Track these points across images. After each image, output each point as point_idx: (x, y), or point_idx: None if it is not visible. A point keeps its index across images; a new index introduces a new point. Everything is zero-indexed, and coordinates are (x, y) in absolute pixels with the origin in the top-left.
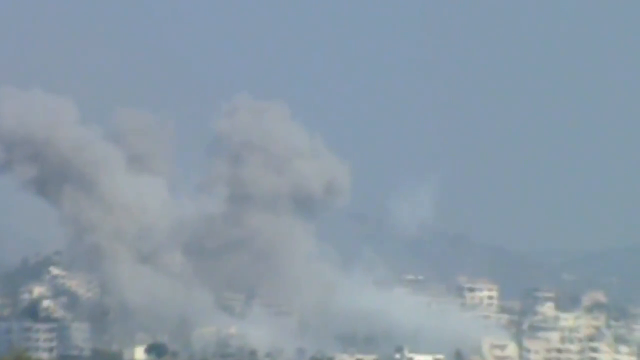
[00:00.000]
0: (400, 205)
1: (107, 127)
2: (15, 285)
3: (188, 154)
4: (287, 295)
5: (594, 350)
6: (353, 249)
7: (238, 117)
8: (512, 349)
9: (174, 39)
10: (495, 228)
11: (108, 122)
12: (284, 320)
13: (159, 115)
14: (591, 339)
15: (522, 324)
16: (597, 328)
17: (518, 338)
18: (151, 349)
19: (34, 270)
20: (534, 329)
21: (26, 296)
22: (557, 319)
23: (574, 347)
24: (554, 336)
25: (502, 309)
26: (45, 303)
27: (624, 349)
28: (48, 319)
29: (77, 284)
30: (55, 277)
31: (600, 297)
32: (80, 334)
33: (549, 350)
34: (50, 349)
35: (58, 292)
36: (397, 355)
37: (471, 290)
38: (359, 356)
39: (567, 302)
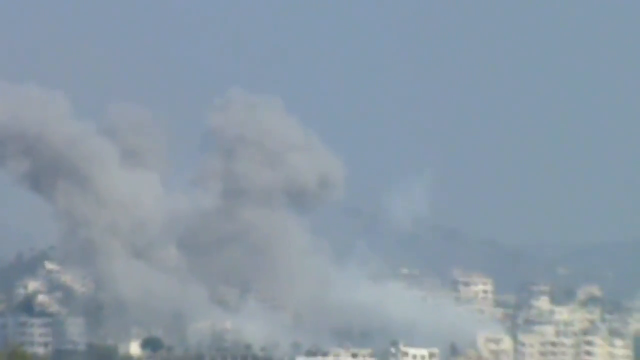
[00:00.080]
0: (394, 199)
1: (101, 122)
2: (10, 280)
3: (181, 149)
4: (282, 290)
5: (589, 344)
6: (348, 243)
7: (231, 112)
8: (507, 343)
9: (167, 33)
10: (490, 222)
11: (101, 117)
12: (278, 315)
13: (152, 110)
14: (586, 332)
15: (516, 317)
16: (592, 322)
17: (513, 332)
18: (146, 344)
19: (29, 265)
20: (529, 322)
21: (21, 291)
22: (552, 312)
23: (568, 341)
24: (549, 330)
25: (497, 303)
26: (40, 298)
27: (618, 342)
28: (43, 313)
29: (71, 278)
30: (50, 272)
31: (595, 290)
32: (76, 329)
33: (543, 344)
34: (46, 344)
35: (53, 287)
36: (392, 350)
37: (466, 284)
38: (354, 350)
39: (562, 296)
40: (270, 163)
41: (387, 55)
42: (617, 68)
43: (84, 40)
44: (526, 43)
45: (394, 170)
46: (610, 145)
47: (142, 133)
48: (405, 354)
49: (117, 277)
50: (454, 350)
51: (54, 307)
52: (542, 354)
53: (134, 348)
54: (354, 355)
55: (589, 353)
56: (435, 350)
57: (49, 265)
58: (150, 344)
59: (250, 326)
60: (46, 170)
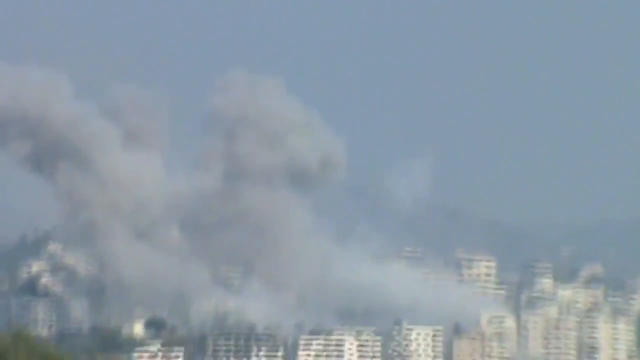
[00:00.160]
0: (397, 180)
1: (103, 104)
2: (13, 262)
3: (184, 131)
4: (285, 270)
5: (592, 322)
6: (350, 223)
7: (233, 93)
8: (510, 322)
9: (169, 13)
10: (493, 202)
11: (103, 99)
12: (281, 295)
13: (154, 92)
14: (589, 311)
15: (520, 297)
16: (595, 300)
17: (516, 311)
18: (150, 324)
19: (33, 247)
20: (532, 302)
21: (25, 272)
22: (555, 292)
23: (572, 319)
24: (552, 309)
25: (500, 282)
26: (44, 279)
27: (621, 321)
28: (47, 294)
29: (75, 259)
30: (53, 253)
31: (598, 269)
32: (79, 310)
33: (547, 323)
34: (50, 325)
35: (57, 268)
36: (396, 328)
37: (469, 263)
38: (358, 329)
39: (565, 275)
40: (272, 144)
41: (389, 35)
42: (616, 45)
43: (86, 22)
44: (524, 17)
45: (397, 151)
46: (613, 124)
47: (143, 114)
48: (409, 332)
49: (119, 258)
50: (457, 329)
51: (58, 288)
52: (545, 333)
53: (138, 328)
54: (358, 334)
55: (592, 332)
56: (439, 328)
57: (53, 246)
58: (154, 325)
59: (253, 306)
60: (48, 152)
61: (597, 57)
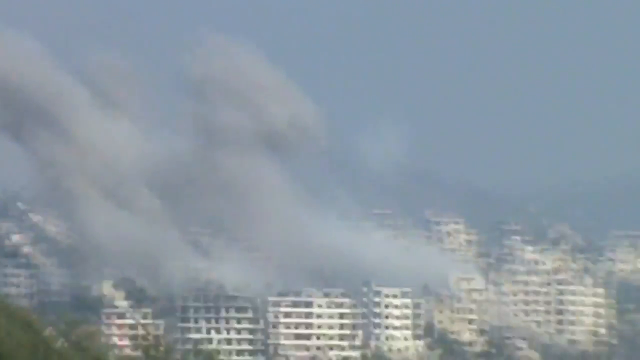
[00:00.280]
0: (370, 143)
1: (71, 65)
2: None
3: (153, 92)
4: (255, 231)
5: (560, 282)
6: (320, 185)
7: (201, 53)
8: (478, 282)
9: None
10: (465, 164)
11: (72, 59)
12: (252, 256)
13: (124, 53)
14: (557, 271)
15: (489, 257)
16: (563, 260)
17: (485, 271)
18: (119, 284)
19: (1, 207)
20: (501, 262)
21: None
22: (523, 251)
23: (539, 279)
24: (521, 269)
25: (469, 243)
26: (14, 239)
27: (589, 280)
28: (15, 254)
29: (44, 220)
30: (23, 212)
31: (566, 229)
32: (49, 270)
33: (515, 283)
34: (17, 285)
35: (25, 227)
36: (365, 289)
37: (437, 224)
38: (327, 290)
39: (533, 235)
40: (241, 105)
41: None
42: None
43: None
44: None
45: (368, 114)
46: (581, 84)
47: (114, 75)
48: (378, 293)
49: (90, 219)
50: (426, 289)
51: (27, 249)
52: (514, 292)
53: (107, 289)
54: (326, 295)
55: (560, 291)
56: (408, 289)
57: (21, 206)
58: (123, 285)
59: (223, 267)
60: (16, 114)
61: (562, 22)
